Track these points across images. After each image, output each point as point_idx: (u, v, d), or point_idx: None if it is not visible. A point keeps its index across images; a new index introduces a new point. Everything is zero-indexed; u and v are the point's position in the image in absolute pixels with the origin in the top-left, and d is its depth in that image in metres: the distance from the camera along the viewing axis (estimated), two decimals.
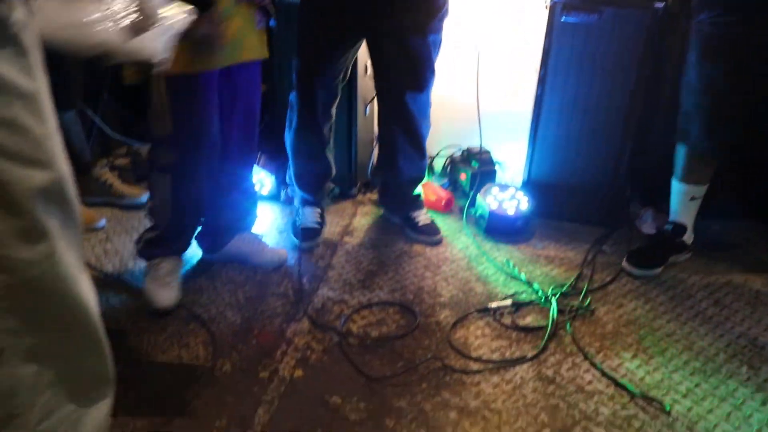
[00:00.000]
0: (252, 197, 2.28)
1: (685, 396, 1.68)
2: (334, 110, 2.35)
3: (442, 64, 2.28)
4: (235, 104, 1.99)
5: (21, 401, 0.88)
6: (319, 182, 2.50)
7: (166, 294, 2.00)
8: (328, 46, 2.17)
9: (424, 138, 2.39)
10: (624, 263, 2.28)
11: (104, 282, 2.13)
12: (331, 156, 2.45)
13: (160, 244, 2.05)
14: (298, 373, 1.74)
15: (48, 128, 0.86)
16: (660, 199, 2.67)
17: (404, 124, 2.31)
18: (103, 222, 2.49)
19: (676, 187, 2.25)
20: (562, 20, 2.33)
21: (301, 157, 2.42)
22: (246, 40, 1.85)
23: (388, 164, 2.46)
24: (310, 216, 2.44)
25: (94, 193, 2.61)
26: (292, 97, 2.30)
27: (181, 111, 1.84)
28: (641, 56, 2.32)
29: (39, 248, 0.84)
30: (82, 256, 0.95)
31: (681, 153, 2.20)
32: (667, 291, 2.16)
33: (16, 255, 0.82)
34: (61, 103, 2.39)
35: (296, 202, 2.54)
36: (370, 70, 2.46)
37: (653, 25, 2.27)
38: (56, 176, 0.86)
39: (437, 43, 2.20)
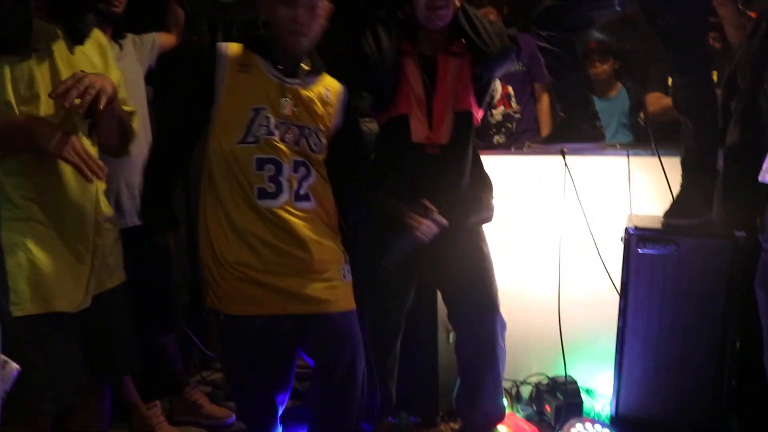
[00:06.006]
0: None
1: None
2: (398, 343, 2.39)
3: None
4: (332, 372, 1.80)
5: None
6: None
7: None
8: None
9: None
10: None
11: None
12: (392, 385, 2.44)
13: None
14: None
15: None
16: None
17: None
18: None
19: None
20: (639, 252, 2.31)
21: None
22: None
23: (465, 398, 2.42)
24: None
25: (183, 412, 2.71)
26: None
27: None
28: (727, 284, 2.22)
29: None
30: None
31: None
32: None
33: None
34: (161, 328, 2.58)
35: None
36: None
37: (737, 255, 2.20)
38: None
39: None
